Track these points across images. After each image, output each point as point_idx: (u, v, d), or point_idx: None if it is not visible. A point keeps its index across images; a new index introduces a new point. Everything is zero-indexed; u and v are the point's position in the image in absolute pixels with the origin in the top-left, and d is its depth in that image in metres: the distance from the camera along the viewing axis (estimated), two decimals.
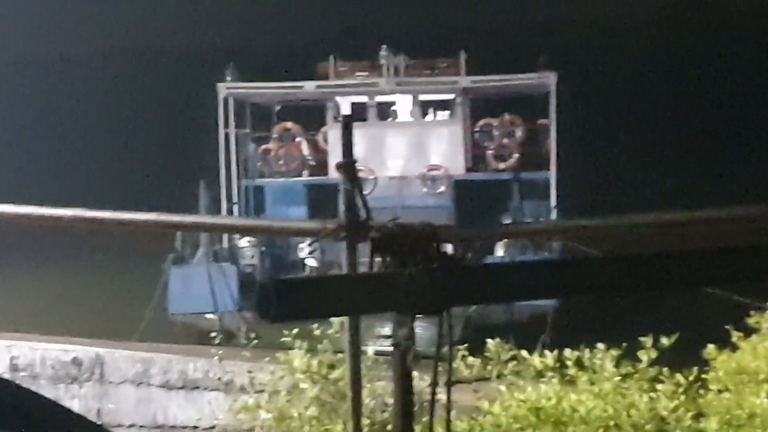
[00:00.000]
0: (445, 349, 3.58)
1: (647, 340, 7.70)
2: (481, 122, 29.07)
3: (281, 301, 2.98)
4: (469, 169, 27.78)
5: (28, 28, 73.75)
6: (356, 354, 5.56)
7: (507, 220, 24.93)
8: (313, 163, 28.30)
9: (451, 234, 4.12)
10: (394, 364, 3.71)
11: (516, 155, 27.31)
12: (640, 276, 3.65)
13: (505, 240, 22.38)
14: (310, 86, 27.56)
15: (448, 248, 3.68)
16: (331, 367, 8.45)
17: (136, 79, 69.29)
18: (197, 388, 14.28)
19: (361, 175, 5.44)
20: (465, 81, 27.12)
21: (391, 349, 3.86)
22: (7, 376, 15.70)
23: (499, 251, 23.29)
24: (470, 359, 8.29)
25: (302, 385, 8.51)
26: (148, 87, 67.57)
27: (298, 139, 28.70)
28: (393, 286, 3.23)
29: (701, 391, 7.68)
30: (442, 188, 26.80)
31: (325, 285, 3.30)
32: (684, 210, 5.27)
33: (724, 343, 8.13)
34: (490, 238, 16.89)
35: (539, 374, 7.74)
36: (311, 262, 24.97)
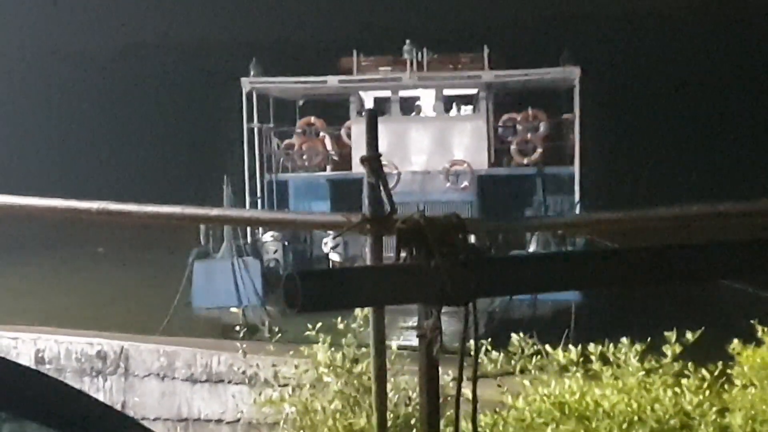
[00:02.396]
0: (471, 341, 3.59)
1: (671, 335, 7.68)
2: (505, 117, 29.03)
3: (308, 291, 3.00)
4: (492, 164, 27.76)
5: (52, 23, 74.06)
6: (380, 347, 5.58)
7: (530, 215, 24.90)
8: (336, 157, 28.35)
9: (478, 226, 4.12)
10: (420, 354, 3.72)
11: (539, 150, 27.26)
12: (664, 267, 3.64)
13: (536, 235, 22.38)
14: (333, 81, 27.57)
15: (473, 240, 3.69)
16: (355, 361, 8.46)
17: (160, 73, 69.50)
18: (221, 381, 14.33)
19: (384, 169, 5.45)
20: (488, 75, 27.07)
21: (415, 343, 3.87)
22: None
23: (531, 246, 23.21)
24: (494, 354, 8.29)
25: (326, 379, 8.52)
26: (172, 81, 67.78)
27: (321, 134, 28.76)
28: (419, 277, 3.24)
29: (726, 386, 7.65)
30: (466, 183, 26.78)
31: (351, 276, 3.32)
32: (708, 203, 5.26)
33: (750, 338, 8.08)
34: (515, 231, 16.86)
35: (563, 369, 7.73)
36: (335, 257, 25.01)
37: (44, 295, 28.06)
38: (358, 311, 8.60)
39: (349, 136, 28.15)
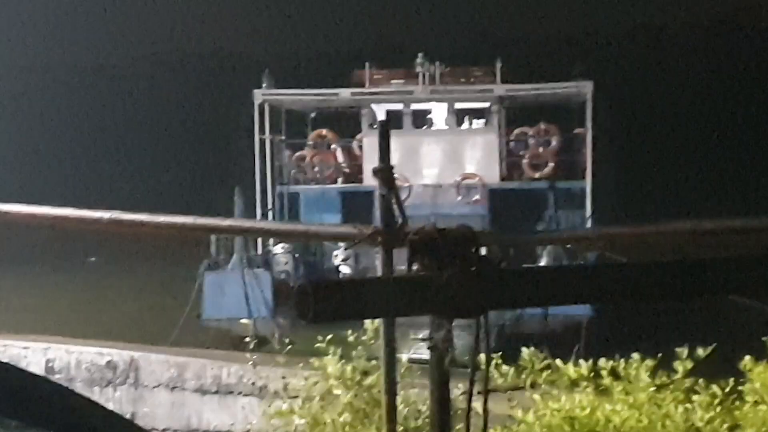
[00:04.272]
0: (482, 355, 3.58)
1: (683, 351, 7.65)
2: (517, 131, 29.01)
3: (319, 302, 2.99)
4: (504, 178, 27.69)
5: (67, 35, 74.35)
6: (391, 360, 5.56)
7: (542, 229, 24.84)
8: (347, 170, 28.34)
9: (490, 238, 4.11)
10: (431, 366, 3.71)
11: (551, 164, 27.19)
12: (676, 282, 3.63)
13: (548, 249, 22.34)
14: (345, 93, 27.57)
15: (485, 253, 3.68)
16: (365, 373, 8.44)
17: (173, 85, 69.66)
18: (231, 393, 14.34)
19: (395, 182, 5.45)
20: (500, 89, 27.03)
21: (425, 356, 3.86)
22: None
23: (542, 260, 23.14)
24: (504, 368, 8.26)
25: (336, 391, 8.51)
26: (185, 93, 67.93)
27: (333, 146, 28.76)
28: (430, 288, 3.23)
29: (737, 403, 7.62)
30: (477, 197, 26.74)
31: (363, 287, 3.31)
32: (721, 218, 5.24)
33: (761, 355, 8.06)
34: (527, 245, 16.84)
35: (573, 384, 7.71)
36: (345, 269, 24.99)
37: (56, 304, 28.08)
38: (368, 324, 8.59)
39: (360, 148, 28.14)
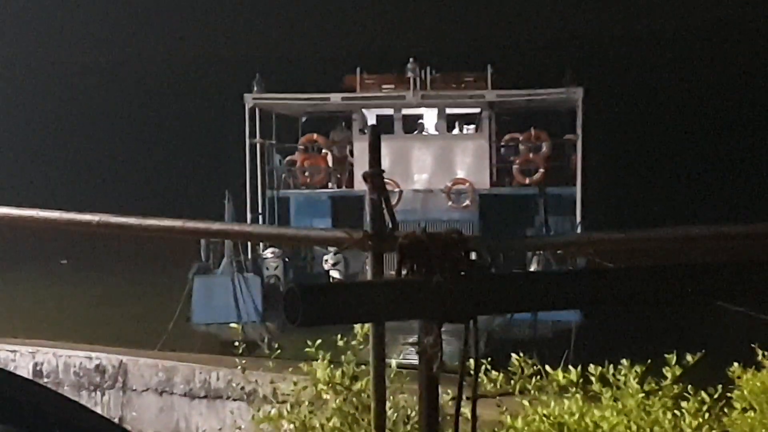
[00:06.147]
0: (471, 360, 3.57)
1: (672, 357, 7.66)
2: (507, 137, 29.04)
3: (308, 305, 2.99)
4: (494, 184, 27.75)
5: (57, 36, 74.25)
6: (380, 365, 5.55)
7: (531, 235, 24.86)
8: (338, 174, 28.36)
9: (480, 243, 4.12)
10: (420, 372, 3.70)
11: (541, 170, 27.23)
12: (664, 288, 3.63)
13: (537, 254, 22.35)
14: (336, 98, 27.58)
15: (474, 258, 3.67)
16: (354, 378, 8.43)
17: (164, 88, 69.58)
18: (220, 397, 14.32)
19: (386, 187, 5.44)
20: (491, 95, 27.05)
21: (415, 361, 3.86)
22: None
23: (532, 267, 23.15)
24: (493, 373, 8.26)
25: (325, 396, 8.49)
26: (176, 96, 67.85)
27: (323, 151, 28.77)
28: (420, 292, 3.23)
29: (726, 410, 7.63)
30: (467, 202, 26.79)
31: (352, 291, 3.31)
32: (710, 225, 5.24)
33: (750, 362, 8.07)
34: (516, 249, 16.83)
35: (562, 390, 7.71)
36: (335, 274, 24.99)
37: (45, 308, 27.98)
38: (357, 328, 8.58)
39: (351, 153, 28.12)
